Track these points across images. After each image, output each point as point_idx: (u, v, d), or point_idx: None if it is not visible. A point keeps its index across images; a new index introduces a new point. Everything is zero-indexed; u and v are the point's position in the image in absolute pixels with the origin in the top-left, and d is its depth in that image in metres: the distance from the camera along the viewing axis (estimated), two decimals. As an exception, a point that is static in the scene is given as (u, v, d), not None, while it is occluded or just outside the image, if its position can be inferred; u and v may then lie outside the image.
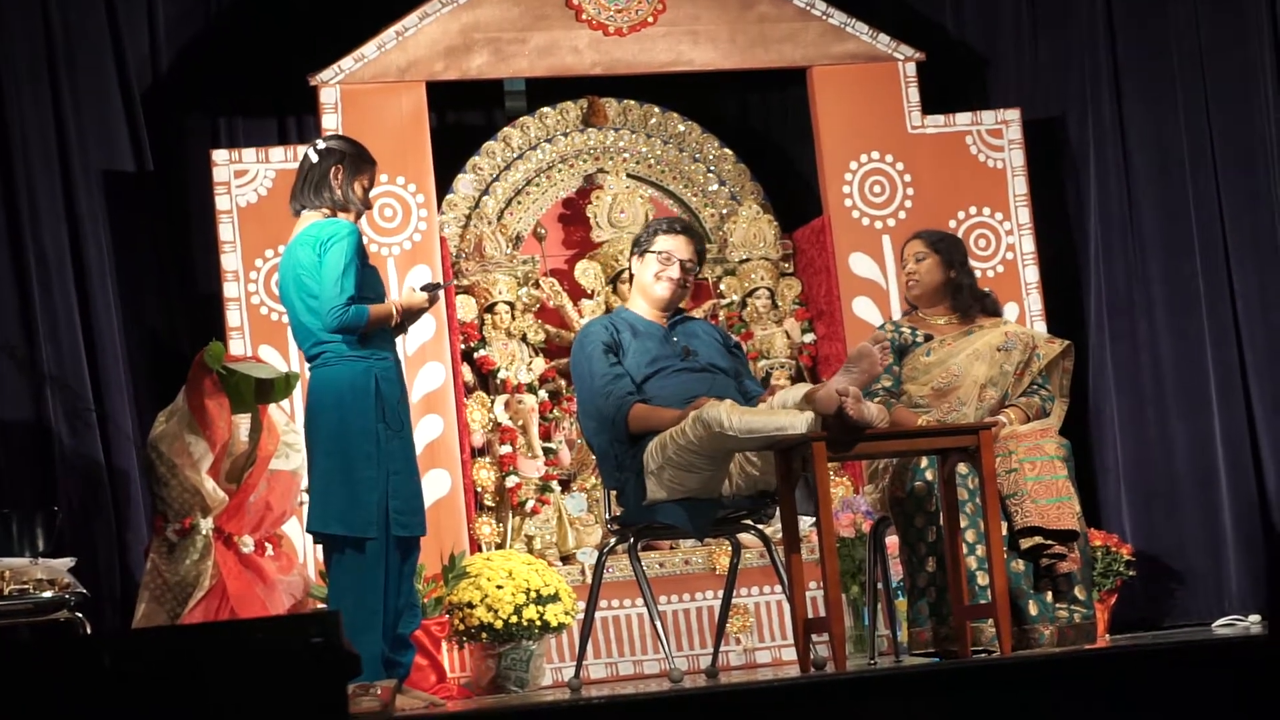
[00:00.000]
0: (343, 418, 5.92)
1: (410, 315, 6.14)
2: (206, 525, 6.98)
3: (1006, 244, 8.38)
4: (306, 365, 6.13)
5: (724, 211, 8.63)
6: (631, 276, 6.73)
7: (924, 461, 6.27)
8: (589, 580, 7.33)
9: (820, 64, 8.37)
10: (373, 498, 5.89)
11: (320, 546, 6.30)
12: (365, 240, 7.74)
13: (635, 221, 8.26)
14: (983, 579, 6.09)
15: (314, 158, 6.10)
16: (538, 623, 7.28)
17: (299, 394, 7.38)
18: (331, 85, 7.90)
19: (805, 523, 7.28)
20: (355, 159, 6.11)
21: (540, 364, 8.24)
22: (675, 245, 6.59)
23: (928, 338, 6.57)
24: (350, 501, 5.89)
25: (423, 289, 6.15)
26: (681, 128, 8.66)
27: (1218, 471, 8.43)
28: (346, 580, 5.93)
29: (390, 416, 5.94)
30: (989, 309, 6.66)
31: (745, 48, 8.32)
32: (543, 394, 8.23)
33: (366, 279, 6.01)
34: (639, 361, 6.46)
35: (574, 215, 8.57)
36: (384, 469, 5.92)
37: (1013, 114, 8.49)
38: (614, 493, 6.55)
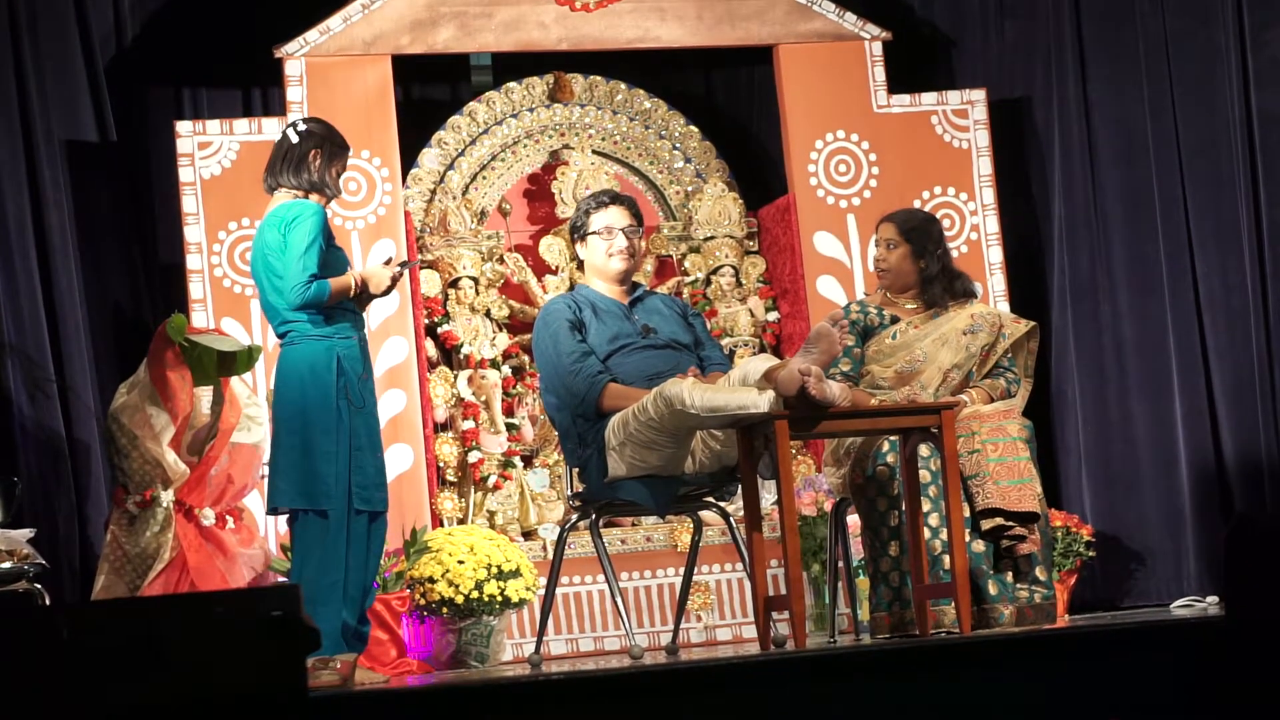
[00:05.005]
0: (304, 395, 5.97)
1: (372, 292, 6.15)
2: (167, 497, 6.97)
3: (971, 224, 8.39)
4: (278, 343, 6.16)
5: (689, 189, 8.63)
6: (582, 261, 6.77)
7: (885, 445, 6.29)
8: (550, 556, 7.33)
9: (786, 42, 8.37)
10: (330, 470, 5.92)
11: (285, 520, 6.33)
12: (330, 215, 7.77)
13: (600, 198, 8.25)
14: (949, 563, 6.09)
15: (294, 138, 6.14)
16: (499, 598, 7.28)
17: (262, 367, 7.38)
18: (296, 58, 7.86)
19: (767, 501, 7.29)
20: (334, 145, 6.18)
21: (504, 339, 8.24)
22: (611, 217, 6.63)
23: (894, 320, 6.57)
24: (309, 475, 5.93)
25: (392, 263, 6.16)
26: (647, 104, 8.65)
27: (1178, 454, 8.46)
28: (308, 553, 5.97)
29: (353, 393, 5.98)
30: (958, 292, 6.63)
31: (712, 25, 8.31)
32: (506, 369, 8.22)
33: (331, 259, 6.04)
34: (600, 340, 6.47)
35: (539, 191, 8.56)
36: (345, 444, 5.95)
37: (978, 94, 8.50)
38: (576, 469, 6.56)
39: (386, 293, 6.17)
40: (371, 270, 6.14)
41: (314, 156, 6.11)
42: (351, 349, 6.03)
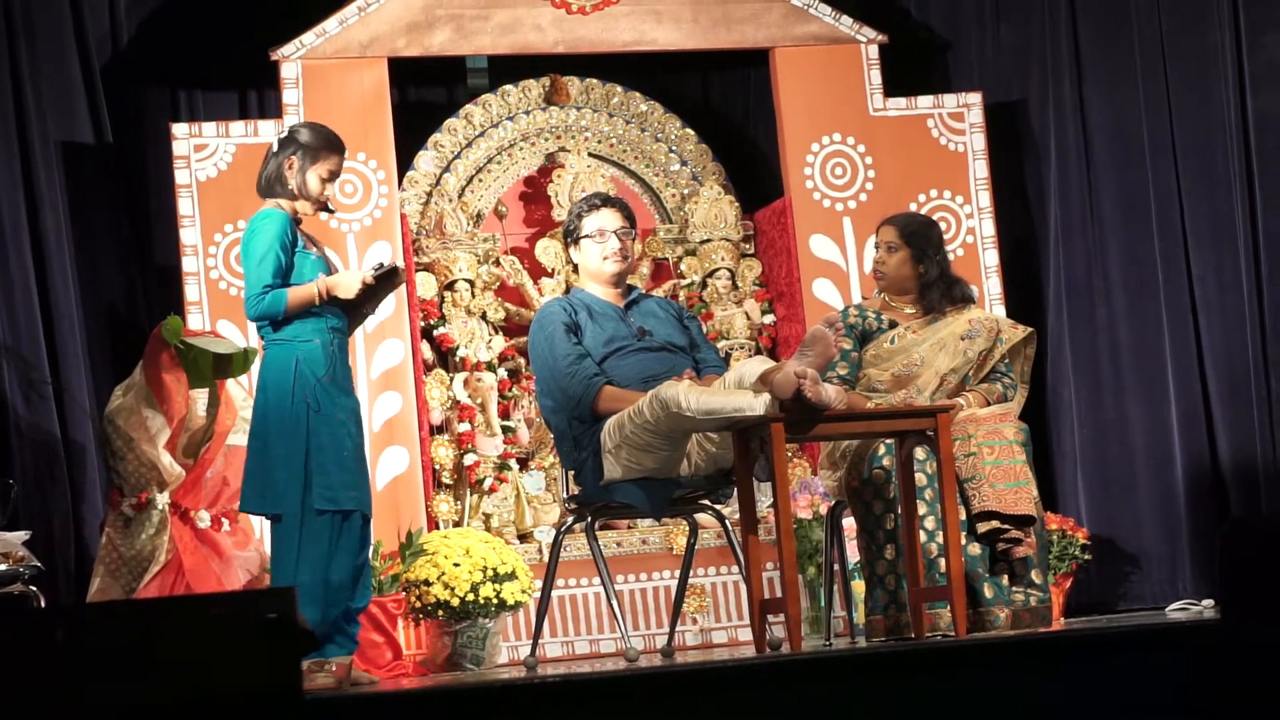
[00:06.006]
0: (265, 399, 6.04)
1: (353, 298, 6.10)
2: (163, 500, 6.97)
3: (967, 227, 8.39)
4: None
5: (685, 192, 8.63)
6: (577, 265, 6.76)
7: (881, 449, 6.28)
8: (546, 559, 7.33)
9: (783, 45, 8.37)
10: (284, 475, 5.94)
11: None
12: (325, 215, 7.77)
13: (596, 201, 8.24)
14: (944, 566, 6.09)
15: (274, 147, 6.13)
16: (494, 601, 7.28)
17: (257, 369, 7.37)
18: (293, 60, 7.86)
19: (763, 504, 7.30)
20: (312, 149, 6.11)
21: (500, 342, 8.24)
22: (603, 220, 6.62)
23: (892, 324, 6.57)
24: (266, 479, 5.98)
25: (371, 270, 6.12)
26: (643, 107, 8.65)
27: (1174, 456, 8.47)
28: (274, 555, 6.03)
29: (310, 396, 5.96)
30: (957, 298, 6.62)
31: (708, 28, 8.32)
32: (502, 372, 8.22)
33: (298, 266, 6.03)
34: (596, 342, 6.47)
35: (535, 194, 8.56)
36: (302, 446, 5.95)
37: (974, 97, 8.50)
38: (572, 472, 6.56)
39: (363, 298, 6.12)
40: (339, 277, 6.10)
41: (289, 164, 6.09)
42: (312, 352, 6.01)
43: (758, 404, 5.84)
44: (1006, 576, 6.27)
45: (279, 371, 6.00)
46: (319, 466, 5.97)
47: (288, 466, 5.95)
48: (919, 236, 6.61)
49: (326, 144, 6.15)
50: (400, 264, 6.21)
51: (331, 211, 6.34)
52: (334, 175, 6.17)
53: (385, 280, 6.11)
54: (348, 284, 6.07)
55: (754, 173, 8.87)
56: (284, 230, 6.00)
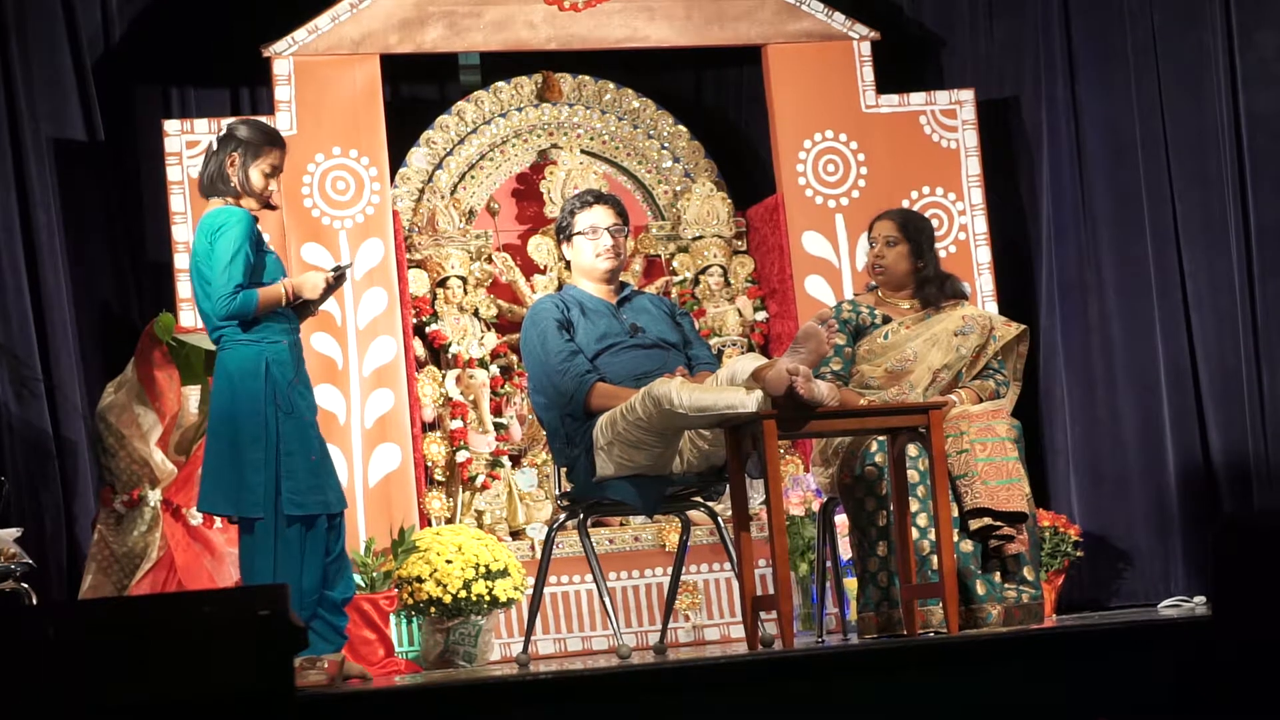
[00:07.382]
0: (234, 400, 5.95)
1: (318, 298, 6.10)
2: (155, 497, 6.97)
3: (959, 224, 8.39)
4: None
5: (677, 188, 8.63)
6: (569, 262, 6.77)
7: (874, 445, 6.28)
8: (538, 556, 7.33)
9: (775, 42, 8.37)
10: (258, 478, 5.90)
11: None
12: (317, 213, 7.76)
13: (588, 197, 8.24)
14: (937, 563, 6.09)
15: (214, 146, 6.09)
16: (486, 598, 7.28)
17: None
18: (285, 57, 7.86)
19: (755, 500, 7.30)
20: (253, 145, 6.06)
21: (492, 339, 8.23)
22: (596, 217, 6.63)
23: (886, 319, 6.57)
24: (238, 482, 5.92)
25: (331, 270, 6.12)
26: (636, 104, 8.65)
27: (1166, 454, 8.47)
28: (243, 559, 5.98)
29: (281, 398, 5.94)
30: (949, 292, 6.64)
31: (700, 25, 8.31)
32: (494, 369, 8.22)
33: (262, 265, 6.01)
34: (589, 339, 6.47)
35: (527, 190, 8.56)
36: (273, 450, 5.92)
37: (967, 95, 8.50)
38: (564, 469, 6.56)
39: (324, 298, 6.13)
40: (303, 277, 6.08)
41: (230, 162, 6.05)
42: (280, 353, 5.98)
43: (750, 401, 5.84)
44: (998, 573, 6.28)
45: (248, 372, 5.94)
46: (288, 471, 5.94)
47: (263, 470, 5.91)
48: (917, 230, 6.63)
49: (267, 139, 6.09)
50: (350, 264, 6.20)
51: (275, 208, 6.27)
52: (275, 170, 6.10)
53: (339, 280, 6.12)
54: (313, 283, 6.05)
55: (746, 169, 8.88)
56: (251, 229, 5.97)
